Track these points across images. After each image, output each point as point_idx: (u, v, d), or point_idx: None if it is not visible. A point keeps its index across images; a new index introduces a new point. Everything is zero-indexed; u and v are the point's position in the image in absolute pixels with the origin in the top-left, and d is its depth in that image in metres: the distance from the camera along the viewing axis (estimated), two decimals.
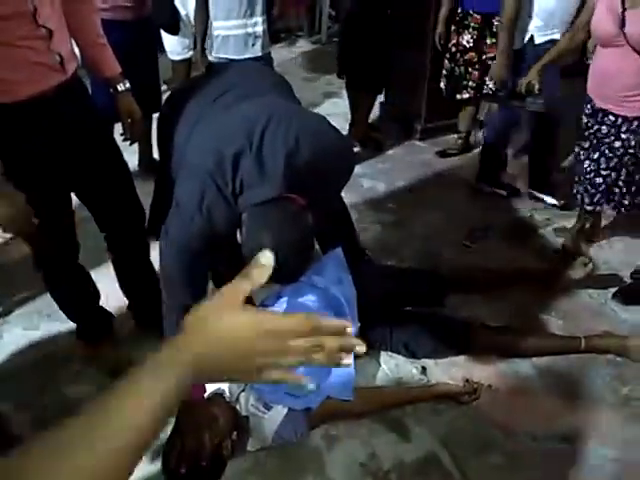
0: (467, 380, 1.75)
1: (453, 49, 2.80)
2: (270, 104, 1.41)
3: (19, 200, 1.29)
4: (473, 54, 2.73)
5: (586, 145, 2.12)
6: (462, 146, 3.25)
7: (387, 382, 1.82)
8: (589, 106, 2.07)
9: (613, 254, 2.39)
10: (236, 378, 0.54)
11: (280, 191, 1.25)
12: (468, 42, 2.71)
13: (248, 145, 1.27)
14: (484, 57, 2.70)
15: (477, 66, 2.74)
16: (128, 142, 1.68)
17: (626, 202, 2.07)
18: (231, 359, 0.50)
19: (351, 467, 1.56)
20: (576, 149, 2.21)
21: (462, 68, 2.79)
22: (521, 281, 2.19)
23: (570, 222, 2.49)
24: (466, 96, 2.87)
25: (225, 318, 0.50)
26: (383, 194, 2.87)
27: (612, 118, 1.98)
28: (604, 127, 2.01)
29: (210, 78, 1.57)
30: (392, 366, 1.86)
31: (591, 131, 2.08)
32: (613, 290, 2.15)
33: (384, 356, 1.89)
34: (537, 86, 2.25)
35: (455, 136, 3.27)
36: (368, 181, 2.97)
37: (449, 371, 1.84)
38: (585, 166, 2.12)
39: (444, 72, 2.89)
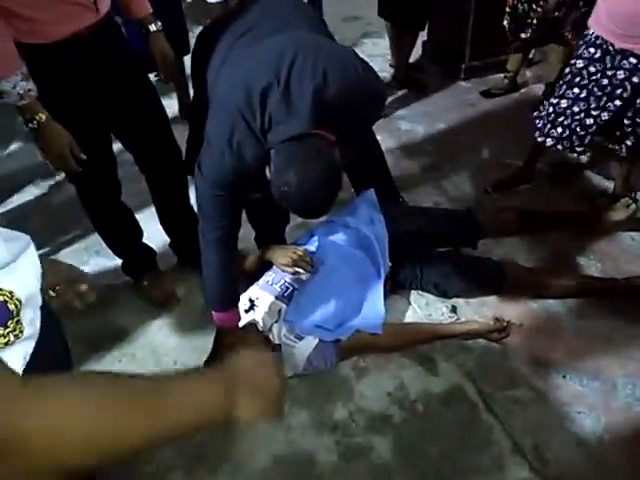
0: (497, 318, 1.76)
1: None
2: (298, 38, 1.39)
3: (66, 137, 1.37)
4: None
5: (582, 94, 1.88)
6: (508, 86, 3.09)
7: (417, 320, 1.85)
8: (592, 49, 1.80)
9: None
10: None
11: (308, 127, 1.25)
12: None
13: (276, 80, 1.27)
14: None
15: (541, 2, 2.56)
16: (163, 83, 1.72)
17: None
18: None
19: (379, 396, 1.63)
20: (562, 102, 1.93)
21: (525, 5, 2.61)
22: (560, 224, 2.13)
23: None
24: (528, 34, 2.68)
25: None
26: (422, 137, 2.81)
27: (633, 61, 1.73)
28: (621, 72, 1.76)
29: (241, 12, 1.55)
30: (422, 304, 1.89)
31: (593, 77, 1.84)
32: None
33: (414, 295, 1.92)
34: None
35: (502, 75, 3.12)
36: (407, 124, 2.91)
37: (480, 310, 1.85)
38: (580, 115, 1.91)
39: (507, 9, 2.71)
